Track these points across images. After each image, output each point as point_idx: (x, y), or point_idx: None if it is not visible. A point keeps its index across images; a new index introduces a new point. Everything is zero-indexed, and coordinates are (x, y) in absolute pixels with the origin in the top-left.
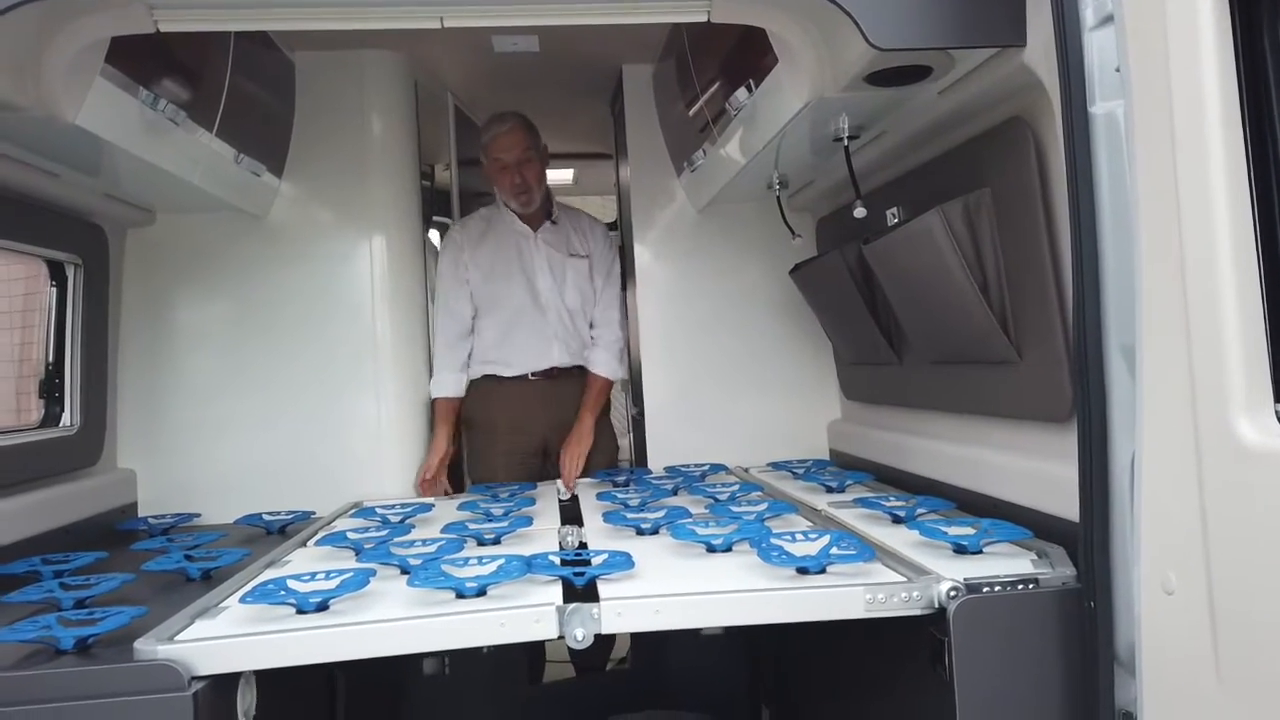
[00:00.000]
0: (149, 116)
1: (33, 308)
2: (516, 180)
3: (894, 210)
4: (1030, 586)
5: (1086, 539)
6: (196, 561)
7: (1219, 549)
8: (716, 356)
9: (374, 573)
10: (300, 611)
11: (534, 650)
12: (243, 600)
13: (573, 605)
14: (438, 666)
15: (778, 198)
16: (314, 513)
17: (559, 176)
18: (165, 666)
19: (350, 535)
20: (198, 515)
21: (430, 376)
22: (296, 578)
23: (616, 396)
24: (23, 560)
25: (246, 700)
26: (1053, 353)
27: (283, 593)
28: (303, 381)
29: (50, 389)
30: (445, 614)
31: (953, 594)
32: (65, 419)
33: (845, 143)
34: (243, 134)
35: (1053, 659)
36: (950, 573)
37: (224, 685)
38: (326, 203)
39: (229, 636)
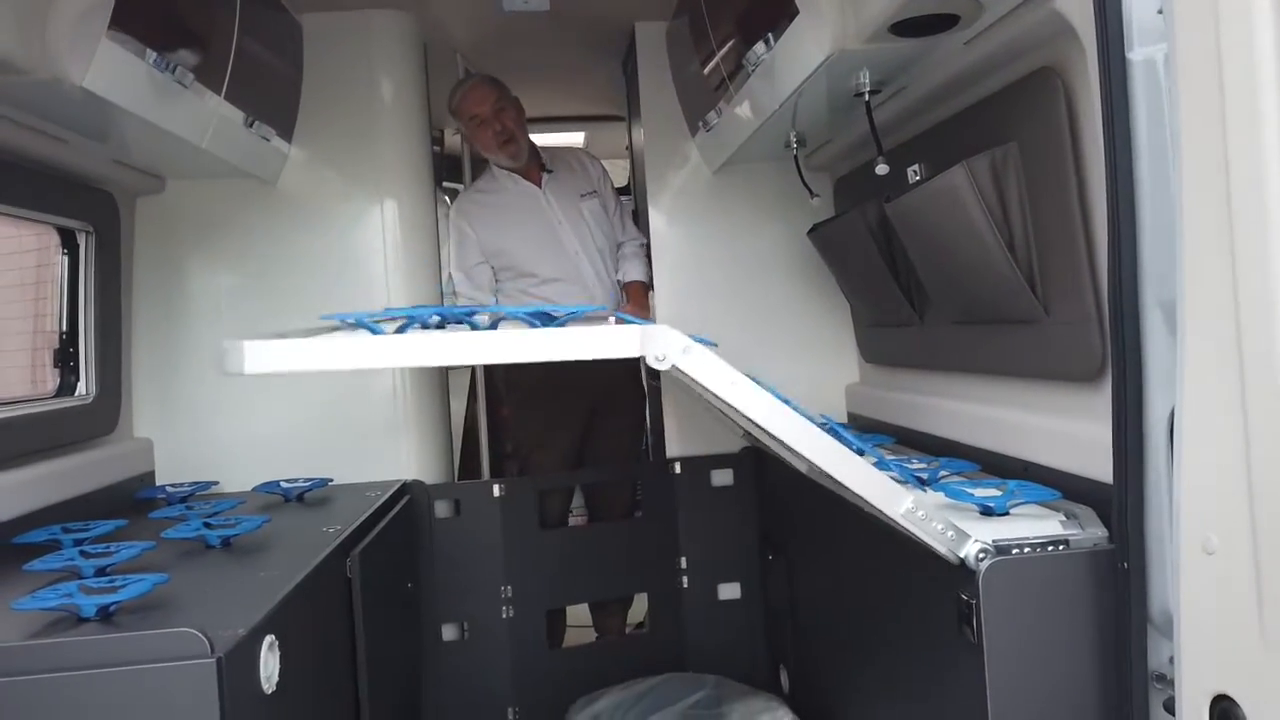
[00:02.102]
0: (157, 79)
1: (46, 279)
2: (497, 128)
3: (916, 167)
4: (1061, 548)
5: (1120, 499)
6: (215, 529)
7: (1264, 507)
8: (732, 320)
9: None
10: None
11: (554, 615)
12: None
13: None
14: (457, 632)
15: (795, 157)
16: (331, 479)
17: (570, 139)
18: (188, 634)
19: None
20: (215, 483)
21: None
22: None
23: None
24: (42, 529)
25: (270, 666)
26: (1081, 310)
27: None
28: None
29: (65, 358)
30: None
31: (982, 555)
32: (80, 388)
33: (866, 98)
34: (252, 97)
35: (1083, 621)
36: (978, 534)
37: (247, 651)
38: (336, 167)
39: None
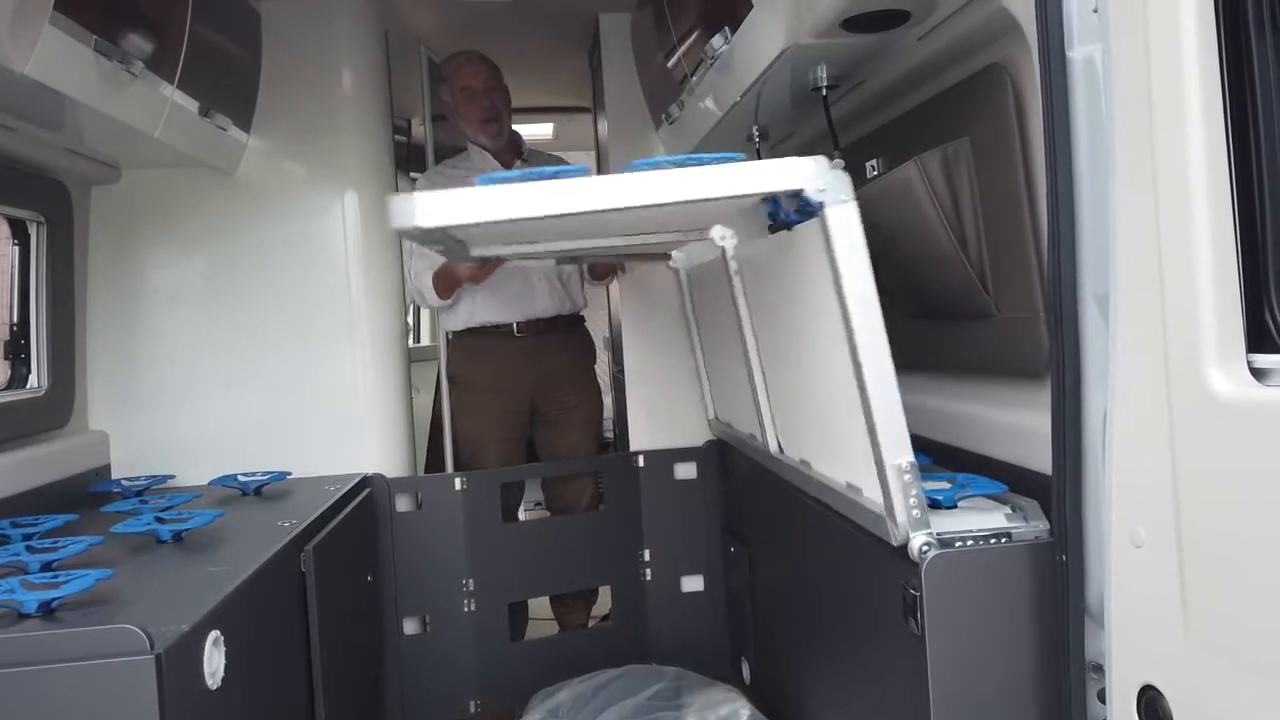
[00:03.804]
0: (104, 67)
1: None
2: (486, 105)
3: (874, 163)
4: (1003, 541)
5: (1059, 492)
6: (168, 523)
7: (1189, 502)
8: None
9: None
10: None
11: (517, 608)
12: None
13: None
14: (419, 626)
15: (758, 150)
16: (289, 473)
17: (538, 131)
18: (126, 630)
19: None
20: (172, 477)
21: (409, 335)
22: None
23: (600, 354)
24: None
25: (214, 662)
26: (1029, 305)
27: None
28: (277, 340)
29: (16, 350)
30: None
31: (925, 549)
32: (32, 380)
33: (824, 92)
34: (207, 87)
35: (1025, 613)
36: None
37: (190, 647)
38: (296, 158)
39: None
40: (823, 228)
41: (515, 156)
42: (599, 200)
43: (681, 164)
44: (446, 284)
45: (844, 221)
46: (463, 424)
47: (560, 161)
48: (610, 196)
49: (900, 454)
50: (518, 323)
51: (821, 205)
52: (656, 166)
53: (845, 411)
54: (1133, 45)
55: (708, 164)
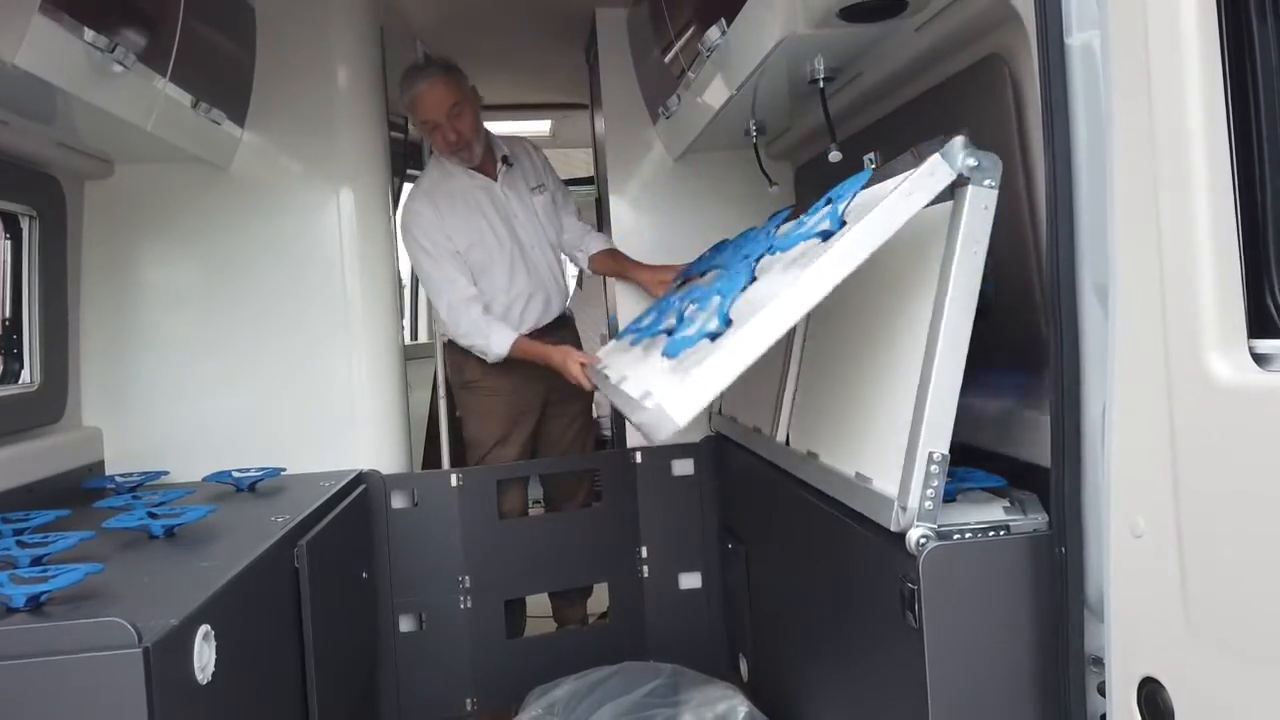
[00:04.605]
0: (95, 59)
1: None
2: (451, 138)
3: (872, 155)
4: (1001, 533)
5: (1057, 484)
6: (160, 519)
7: (1189, 491)
8: None
9: None
10: None
11: (514, 605)
12: None
13: None
14: (415, 623)
15: (755, 145)
16: (284, 469)
17: (535, 128)
18: (114, 623)
19: None
20: (165, 473)
21: (401, 331)
22: None
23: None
24: None
25: (205, 657)
26: (1027, 297)
27: None
28: (271, 336)
29: (8, 345)
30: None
31: (922, 541)
32: (25, 375)
33: (821, 84)
34: (200, 80)
35: (1023, 606)
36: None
37: (179, 641)
38: (291, 153)
39: None
40: (957, 206)
41: (495, 163)
42: (808, 304)
43: (835, 215)
44: (528, 357)
45: (984, 202)
46: (475, 426)
47: (524, 147)
48: (815, 293)
49: (938, 443)
50: (535, 326)
51: (966, 181)
52: (801, 226)
53: (886, 397)
54: (1132, 30)
55: (850, 196)
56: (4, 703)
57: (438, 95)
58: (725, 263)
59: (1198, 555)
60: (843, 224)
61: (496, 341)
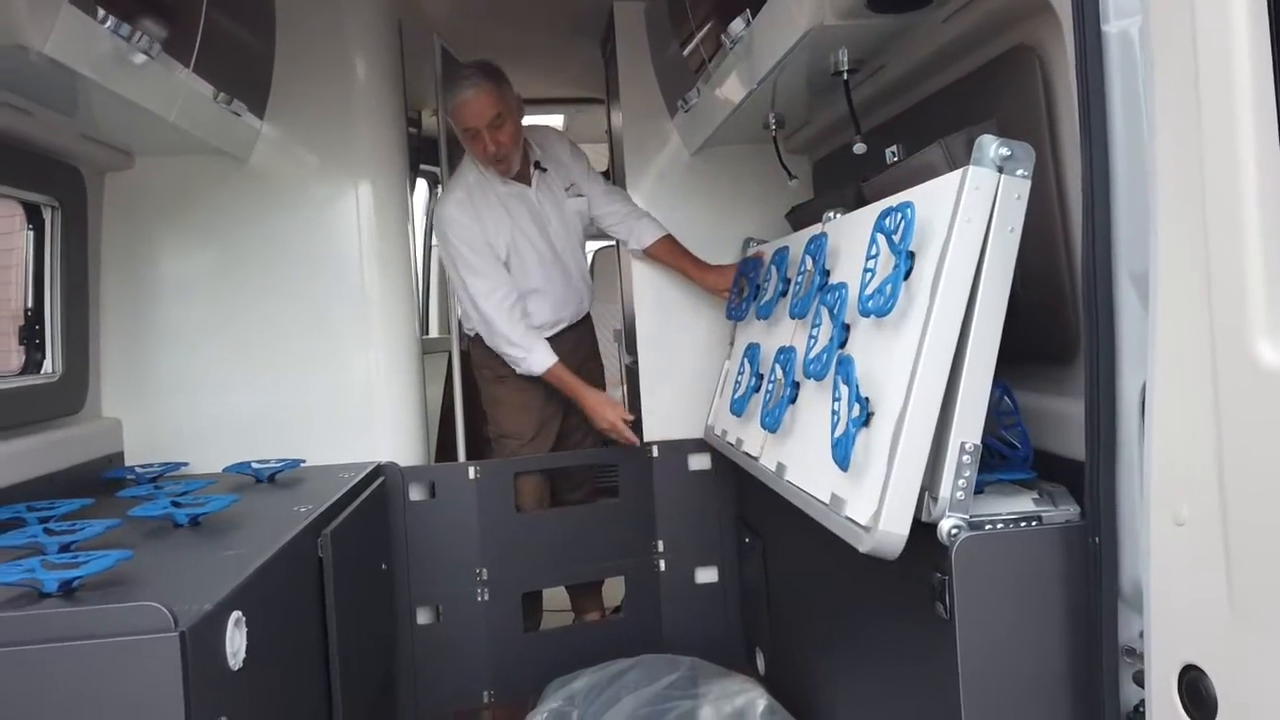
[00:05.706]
0: (121, 48)
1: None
2: (491, 149)
3: (894, 149)
4: (1033, 524)
5: (1092, 473)
6: (184, 508)
7: (1235, 477)
8: (710, 303)
9: None
10: None
11: (531, 598)
12: None
13: None
14: (432, 615)
15: (774, 139)
16: (303, 460)
17: (549, 122)
18: (150, 607)
19: None
20: (185, 464)
21: (420, 325)
22: None
23: (610, 346)
24: (6, 507)
25: (236, 643)
26: (1055, 289)
27: None
28: (290, 328)
29: (30, 335)
30: None
31: (954, 532)
32: (47, 366)
33: (845, 77)
34: (222, 71)
35: (1055, 597)
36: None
37: (213, 627)
38: (309, 146)
39: None
40: (993, 195)
41: (530, 168)
42: (945, 365)
43: (901, 251)
44: (559, 385)
45: (1016, 191)
46: (510, 419)
47: (556, 143)
48: (947, 350)
49: (971, 433)
50: (566, 323)
51: (1000, 170)
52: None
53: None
54: (1178, 16)
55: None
56: (40, 685)
57: (481, 105)
58: (795, 309)
59: (1243, 542)
60: (910, 256)
61: (537, 361)
